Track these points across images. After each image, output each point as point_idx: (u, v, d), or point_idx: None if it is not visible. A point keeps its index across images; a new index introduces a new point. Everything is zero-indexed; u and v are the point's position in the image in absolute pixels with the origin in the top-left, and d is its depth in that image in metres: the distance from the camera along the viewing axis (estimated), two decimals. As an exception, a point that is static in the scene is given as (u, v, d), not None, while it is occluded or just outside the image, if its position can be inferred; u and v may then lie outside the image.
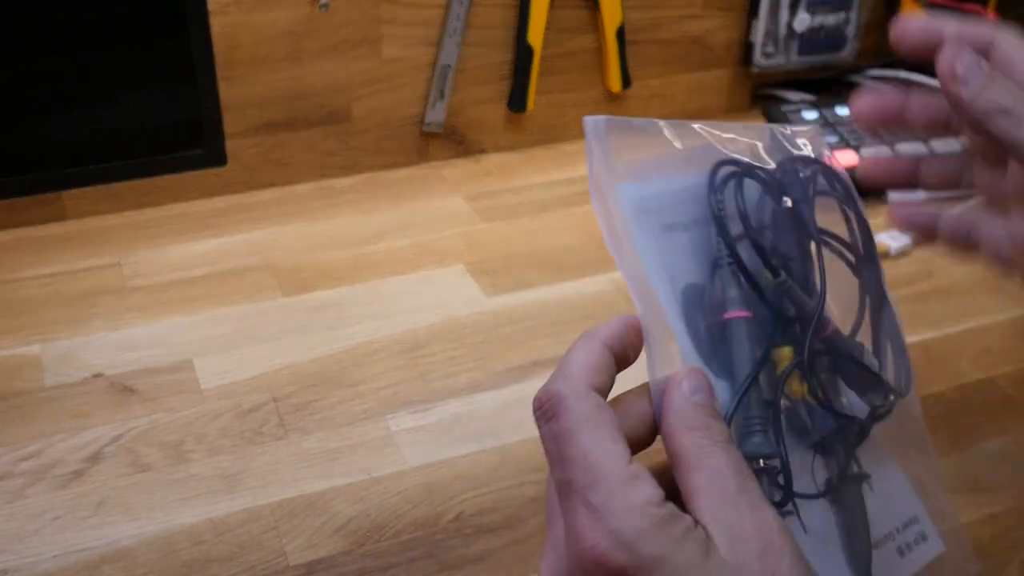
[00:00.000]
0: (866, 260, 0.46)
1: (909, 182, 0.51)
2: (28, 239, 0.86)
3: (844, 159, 0.92)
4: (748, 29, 1.04)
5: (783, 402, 0.42)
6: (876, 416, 0.44)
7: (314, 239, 0.87)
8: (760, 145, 0.45)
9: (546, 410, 0.37)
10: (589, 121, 0.41)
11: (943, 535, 0.45)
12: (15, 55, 0.81)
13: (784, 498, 0.40)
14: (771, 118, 1.04)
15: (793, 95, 1.06)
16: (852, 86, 1.05)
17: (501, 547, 0.60)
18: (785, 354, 0.42)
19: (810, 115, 1.01)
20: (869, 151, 0.94)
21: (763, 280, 0.42)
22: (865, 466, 0.44)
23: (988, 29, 0.44)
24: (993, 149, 0.47)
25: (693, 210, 0.43)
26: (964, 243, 0.50)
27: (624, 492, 0.35)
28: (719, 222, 0.42)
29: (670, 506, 0.35)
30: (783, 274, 0.41)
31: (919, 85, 0.48)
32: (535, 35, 0.95)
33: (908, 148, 0.51)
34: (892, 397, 0.44)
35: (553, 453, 0.37)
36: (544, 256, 0.86)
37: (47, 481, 0.63)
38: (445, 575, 0.58)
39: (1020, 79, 0.43)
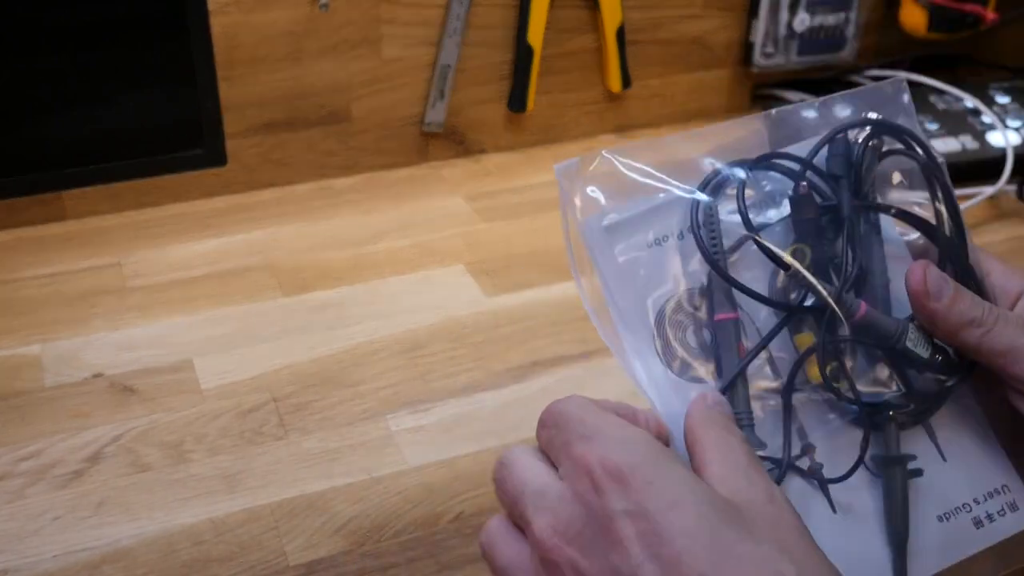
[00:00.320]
0: (946, 225, 0.46)
1: None
2: (28, 239, 0.86)
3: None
4: (748, 29, 1.04)
5: (806, 393, 0.43)
6: (936, 394, 0.45)
7: (314, 239, 0.87)
8: (762, 134, 0.46)
9: (544, 420, 0.40)
10: (559, 168, 0.43)
11: None
12: (15, 55, 0.81)
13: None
14: (771, 118, 1.04)
15: (793, 95, 1.06)
16: (852, 86, 1.05)
17: (501, 547, 0.59)
18: (805, 340, 0.43)
19: (810, 115, 1.01)
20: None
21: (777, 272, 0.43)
22: (941, 439, 0.45)
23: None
24: None
25: (676, 222, 0.44)
26: None
27: (616, 422, 0.39)
28: (696, 232, 0.43)
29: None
30: (793, 266, 0.42)
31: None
32: (535, 35, 0.95)
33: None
34: (945, 377, 0.45)
35: (552, 439, 0.39)
36: (544, 256, 0.86)
37: (47, 481, 0.63)
38: (445, 575, 0.58)
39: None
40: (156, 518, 0.61)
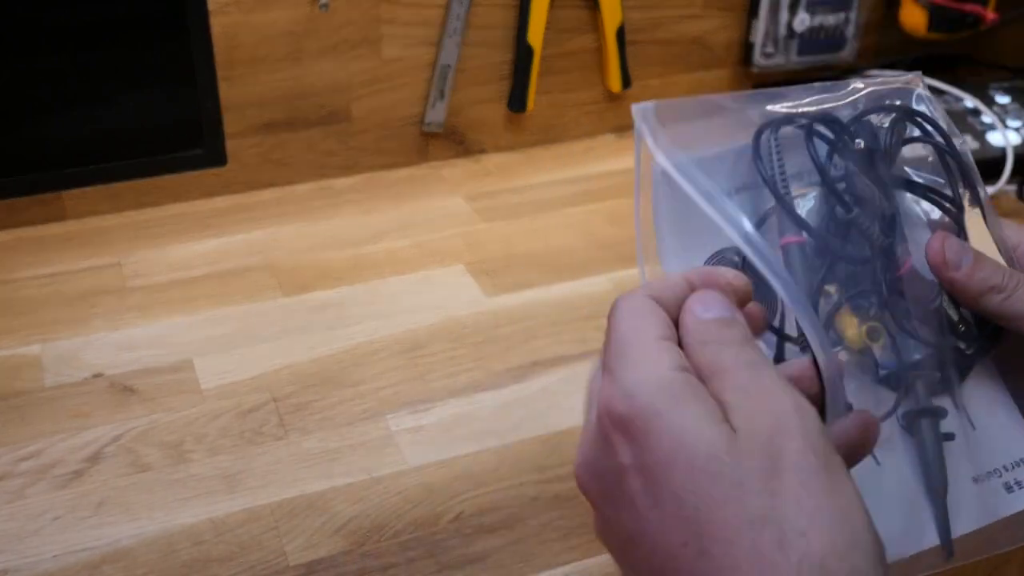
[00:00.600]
0: (967, 206, 0.47)
1: None
2: (28, 239, 0.86)
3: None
4: (748, 29, 1.05)
5: (840, 350, 0.43)
6: (965, 359, 0.45)
7: (314, 239, 0.87)
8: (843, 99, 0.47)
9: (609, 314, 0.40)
10: (637, 108, 0.43)
11: None
12: (15, 55, 0.81)
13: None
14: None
15: (793, 95, 1.06)
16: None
17: (501, 547, 0.59)
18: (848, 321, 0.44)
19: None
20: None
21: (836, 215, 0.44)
22: (969, 405, 0.45)
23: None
24: None
25: (749, 173, 0.45)
26: None
27: (640, 357, 0.37)
28: (758, 164, 0.43)
29: (688, 376, 0.37)
30: (856, 210, 0.43)
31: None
32: (535, 35, 0.95)
33: None
34: (965, 345, 0.45)
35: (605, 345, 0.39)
36: (544, 256, 0.86)
37: (47, 481, 0.63)
38: (445, 575, 0.58)
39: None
40: (156, 518, 0.61)
